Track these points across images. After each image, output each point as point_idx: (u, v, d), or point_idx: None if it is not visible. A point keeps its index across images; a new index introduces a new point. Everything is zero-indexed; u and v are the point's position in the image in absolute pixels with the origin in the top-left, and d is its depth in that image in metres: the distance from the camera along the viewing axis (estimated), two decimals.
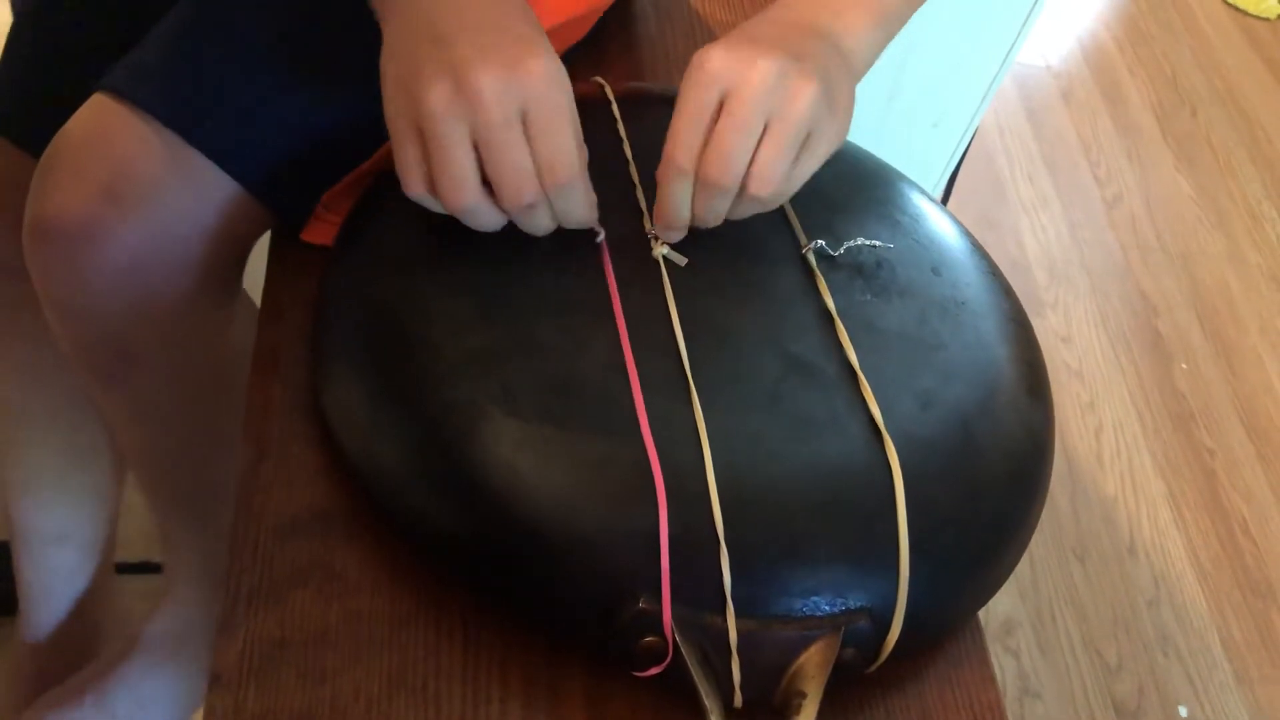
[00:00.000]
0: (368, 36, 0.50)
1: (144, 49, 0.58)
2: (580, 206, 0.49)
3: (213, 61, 0.57)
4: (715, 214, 0.51)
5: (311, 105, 0.58)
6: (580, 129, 0.48)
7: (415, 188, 0.48)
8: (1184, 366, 1.53)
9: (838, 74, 0.50)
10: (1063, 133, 1.88)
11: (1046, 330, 1.55)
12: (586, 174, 0.49)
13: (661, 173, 0.50)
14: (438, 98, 0.45)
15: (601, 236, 0.53)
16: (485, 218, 0.48)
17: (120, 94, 0.56)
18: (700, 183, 0.49)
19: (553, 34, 0.66)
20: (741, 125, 0.47)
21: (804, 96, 0.47)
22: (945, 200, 1.37)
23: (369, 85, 0.49)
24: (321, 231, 0.60)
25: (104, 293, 0.56)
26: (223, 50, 0.58)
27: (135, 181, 0.55)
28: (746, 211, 0.51)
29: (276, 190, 0.58)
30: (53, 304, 0.59)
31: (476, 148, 0.46)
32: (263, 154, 0.57)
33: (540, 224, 0.50)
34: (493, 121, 0.45)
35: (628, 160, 0.58)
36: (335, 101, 0.59)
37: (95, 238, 0.55)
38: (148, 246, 0.56)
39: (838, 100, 0.50)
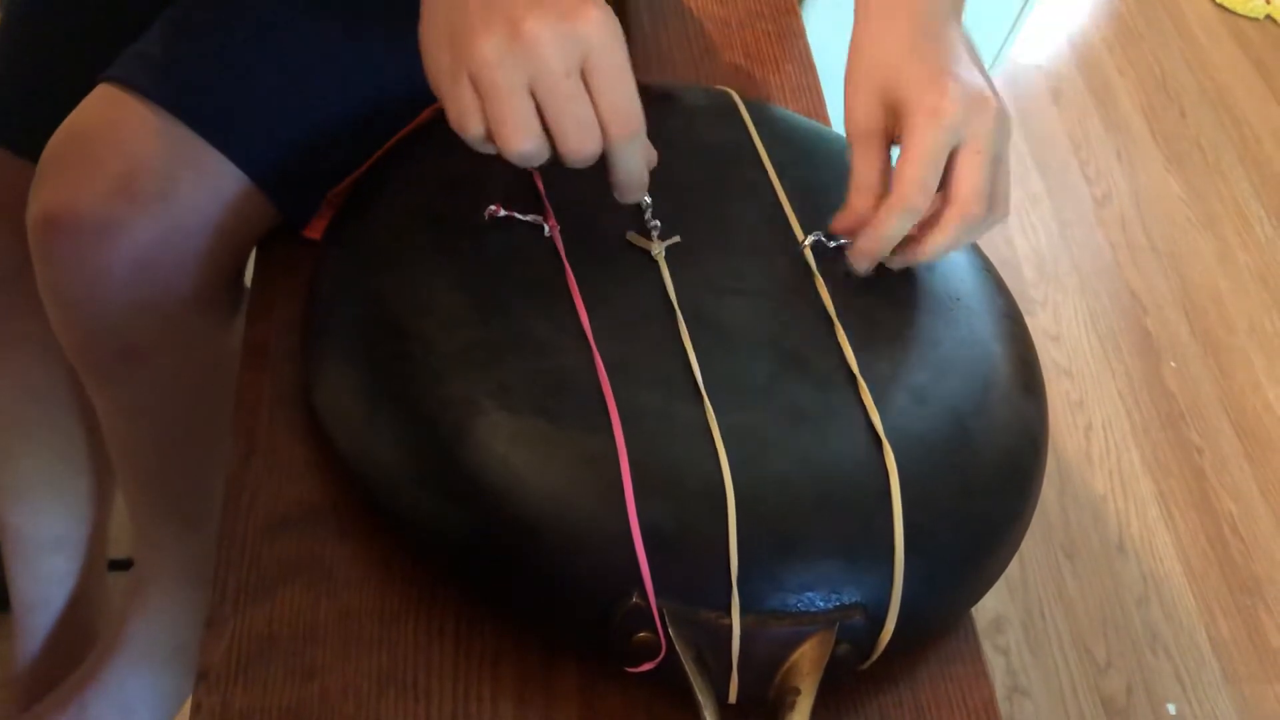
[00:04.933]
0: (377, 29, 0.49)
1: (150, 39, 0.57)
2: (642, 163, 0.48)
3: (223, 53, 0.56)
4: (932, 252, 0.51)
5: (321, 100, 0.58)
6: None
7: (474, 130, 0.45)
8: (1173, 365, 1.54)
9: None
10: (1053, 132, 1.89)
11: (1036, 329, 1.55)
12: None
13: (889, 208, 0.50)
14: (493, 47, 0.43)
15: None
16: (539, 160, 0.46)
17: (131, 85, 0.55)
18: (945, 220, 0.50)
19: None
20: (990, 162, 0.49)
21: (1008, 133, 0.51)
22: None
23: (378, 80, 0.48)
24: (323, 228, 0.60)
25: (112, 288, 0.55)
26: (232, 42, 0.57)
27: (149, 175, 0.54)
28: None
29: (285, 186, 0.58)
30: (57, 299, 0.58)
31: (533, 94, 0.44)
32: (273, 149, 0.57)
33: (590, 156, 0.47)
34: (553, 71, 0.43)
35: None
36: (344, 96, 0.58)
37: (108, 232, 0.54)
38: (159, 242, 0.55)
39: None
